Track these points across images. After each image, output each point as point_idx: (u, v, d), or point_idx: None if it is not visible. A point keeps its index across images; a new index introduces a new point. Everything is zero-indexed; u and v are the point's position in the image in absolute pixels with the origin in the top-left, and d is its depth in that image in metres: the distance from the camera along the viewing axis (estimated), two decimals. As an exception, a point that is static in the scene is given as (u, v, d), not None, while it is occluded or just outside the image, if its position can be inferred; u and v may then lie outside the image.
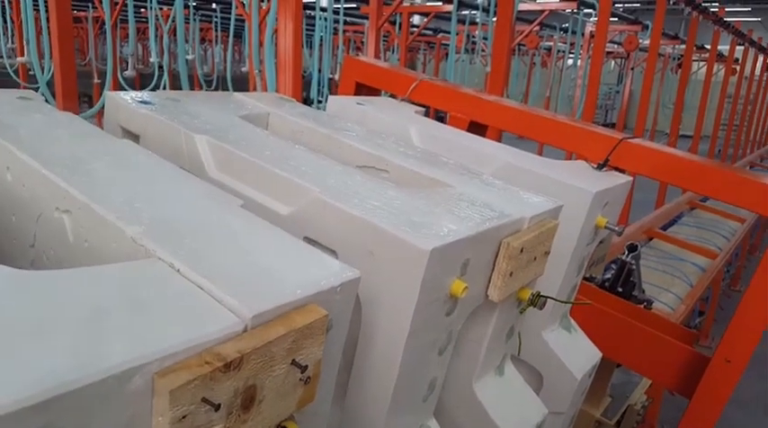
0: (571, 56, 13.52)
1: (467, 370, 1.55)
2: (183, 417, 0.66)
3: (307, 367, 0.81)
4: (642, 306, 2.67)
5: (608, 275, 2.95)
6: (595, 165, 2.03)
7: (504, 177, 1.69)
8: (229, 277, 0.83)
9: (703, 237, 5.21)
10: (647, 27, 10.02)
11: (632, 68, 12.21)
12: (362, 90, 2.53)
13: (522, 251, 1.33)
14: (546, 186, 1.71)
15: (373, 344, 1.20)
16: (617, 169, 2.08)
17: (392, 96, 2.55)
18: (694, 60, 13.55)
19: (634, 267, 2.71)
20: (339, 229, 1.21)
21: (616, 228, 1.81)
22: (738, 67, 11.98)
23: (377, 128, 2.04)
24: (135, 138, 1.53)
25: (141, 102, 1.57)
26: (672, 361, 2.16)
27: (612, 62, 20.28)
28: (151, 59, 9.14)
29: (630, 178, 1.99)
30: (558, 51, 14.24)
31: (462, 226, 1.21)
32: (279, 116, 1.83)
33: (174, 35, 8.20)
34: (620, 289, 2.75)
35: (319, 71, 7.74)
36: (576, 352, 1.94)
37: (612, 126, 16.74)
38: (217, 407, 0.68)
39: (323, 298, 0.86)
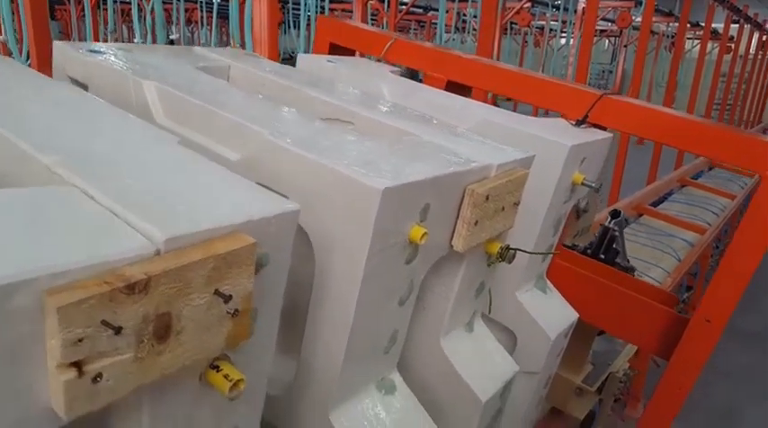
0: (563, 35, 13.40)
1: (434, 325, 1.49)
2: (79, 340, 0.60)
3: (231, 297, 0.74)
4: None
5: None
6: (574, 122, 1.97)
7: (480, 133, 1.63)
8: (148, 204, 0.76)
9: (693, 214, 5.17)
10: (640, 3, 9.91)
11: (625, 46, 12.12)
12: (337, 51, 2.45)
13: (487, 199, 1.27)
14: (522, 141, 1.64)
15: (328, 291, 1.15)
16: (598, 127, 2.01)
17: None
18: (688, 38, 13.45)
19: (617, 233, 2.66)
20: (290, 173, 1.14)
21: (593, 184, 1.75)
22: (733, 46, 11.89)
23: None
24: (83, 87, 1.45)
25: (91, 51, 1.50)
26: (653, 324, 2.11)
27: (606, 41, 20.15)
28: (135, 40, 9.00)
29: (610, 135, 1.92)
30: (551, 30, 14.11)
31: (421, 168, 1.15)
32: (241, 69, 1.76)
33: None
34: (603, 256, 2.70)
35: (306, 52, 7.63)
36: (551, 313, 1.89)
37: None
38: (117, 331, 0.62)
39: (254, 229, 0.80)
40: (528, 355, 1.86)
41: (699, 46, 10.37)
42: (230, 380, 0.77)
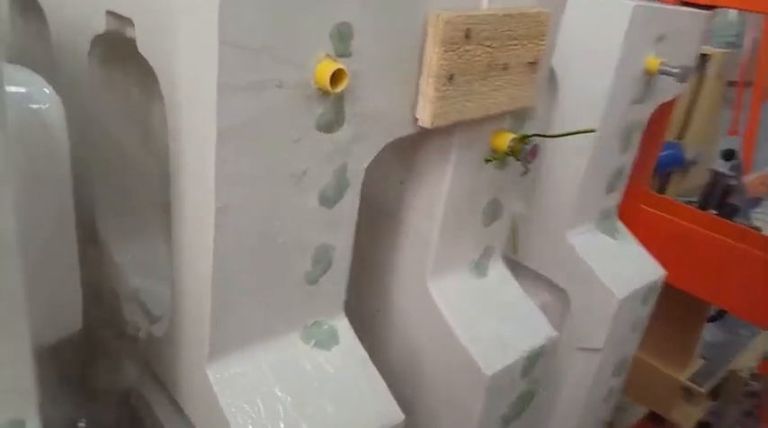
0: None
1: (418, 260, 1.03)
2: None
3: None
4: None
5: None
6: None
7: None
8: None
9: None
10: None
11: None
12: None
13: (468, 37, 0.79)
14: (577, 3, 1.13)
15: (183, 166, 0.72)
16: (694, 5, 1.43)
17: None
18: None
19: (733, 182, 2.01)
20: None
21: (674, 69, 1.19)
22: None
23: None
24: None
25: None
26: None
27: None
28: None
29: (706, 12, 1.34)
30: None
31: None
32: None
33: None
34: (715, 213, 2.05)
35: None
36: (621, 265, 1.34)
37: None
38: None
39: None
40: (584, 323, 1.33)
41: None
42: None
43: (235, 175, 0.67)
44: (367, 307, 1.15)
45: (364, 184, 1.07)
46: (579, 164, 1.25)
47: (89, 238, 1.08)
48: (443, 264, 1.02)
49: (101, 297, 1.05)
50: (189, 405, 0.86)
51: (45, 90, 0.70)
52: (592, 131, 1.08)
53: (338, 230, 0.83)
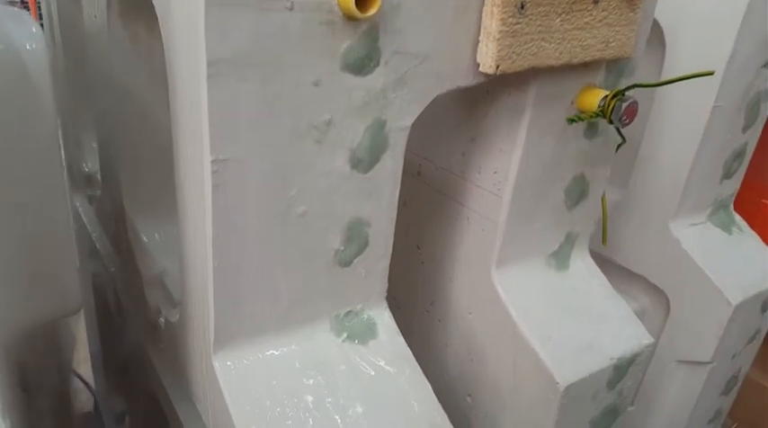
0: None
1: (480, 246, 0.86)
2: None
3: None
4: None
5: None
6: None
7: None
8: None
9: None
10: None
11: None
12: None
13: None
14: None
15: (178, 111, 0.60)
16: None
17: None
18: None
19: None
20: None
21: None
22: None
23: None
24: None
25: None
26: None
27: None
28: None
29: None
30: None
31: None
32: None
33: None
34: None
35: None
36: (738, 265, 1.11)
37: None
38: None
39: None
40: (688, 332, 1.11)
41: None
42: None
43: (235, 122, 0.54)
44: (418, 303, 1.00)
45: (416, 155, 0.92)
46: (690, 140, 1.03)
47: (116, 216, 0.99)
48: (513, 253, 0.85)
49: (132, 281, 0.96)
50: (198, 398, 0.75)
51: (32, 29, 0.60)
52: (710, 74, 0.86)
53: (375, 202, 0.68)
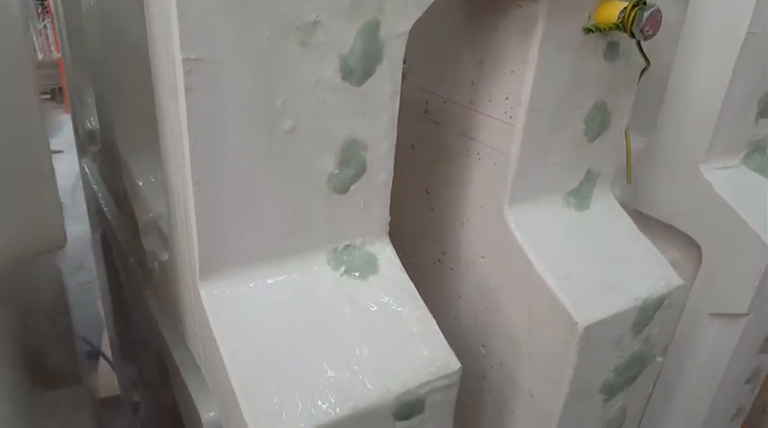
0: None
1: (492, 184, 0.80)
2: None
3: None
4: None
5: None
6: None
7: None
8: None
9: None
10: None
11: None
12: None
13: None
14: None
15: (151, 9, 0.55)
16: None
17: None
18: None
19: None
20: None
21: None
22: None
23: None
24: None
25: None
26: None
27: None
28: None
29: None
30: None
31: None
32: None
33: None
34: None
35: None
36: (776, 208, 1.03)
37: None
38: None
39: None
40: (723, 282, 1.03)
41: None
42: None
43: (207, 16, 0.49)
44: (429, 254, 0.94)
45: (422, 92, 0.86)
46: (721, 72, 0.95)
47: (114, 164, 0.95)
48: (527, 190, 0.79)
49: (130, 230, 0.93)
50: (190, 338, 0.71)
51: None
52: None
53: (371, 121, 0.62)
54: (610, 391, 0.82)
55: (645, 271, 0.81)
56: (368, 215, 0.68)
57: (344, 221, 0.66)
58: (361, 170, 0.64)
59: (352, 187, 0.65)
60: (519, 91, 0.73)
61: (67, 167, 2.39)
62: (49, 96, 5.22)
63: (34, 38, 5.92)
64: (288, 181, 0.60)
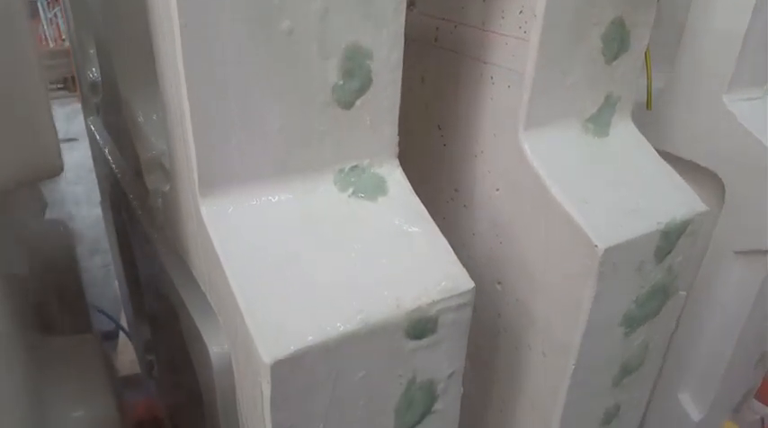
0: None
1: (505, 109, 0.76)
2: None
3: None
4: None
5: None
6: None
7: None
8: None
9: None
10: None
11: None
12: None
13: None
14: None
15: None
16: None
17: None
18: None
19: None
20: None
21: None
22: None
23: None
24: None
25: None
26: None
27: None
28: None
29: None
30: None
31: None
32: None
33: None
34: None
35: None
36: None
37: None
38: None
39: None
40: (747, 218, 0.99)
41: None
42: None
43: None
44: (442, 192, 0.91)
45: (431, 18, 0.83)
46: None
47: (115, 106, 0.93)
48: (543, 113, 0.75)
49: (134, 172, 0.90)
50: (193, 263, 0.68)
51: None
52: None
53: (376, 26, 0.59)
54: (630, 324, 0.79)
55: (668, 197, 0.77)
56: (375, 134, 0.64)
57: (350, 140, 0.63)
58: (367, 82, 0.61)
59: (358, 102, 0.61)
60: (533, 3, 0.69)
61: (82, 154, 2.38)
62: (61, 85, 5.20)
63: (45, 27, 5.90)
64: (289, 88, 0.57)
